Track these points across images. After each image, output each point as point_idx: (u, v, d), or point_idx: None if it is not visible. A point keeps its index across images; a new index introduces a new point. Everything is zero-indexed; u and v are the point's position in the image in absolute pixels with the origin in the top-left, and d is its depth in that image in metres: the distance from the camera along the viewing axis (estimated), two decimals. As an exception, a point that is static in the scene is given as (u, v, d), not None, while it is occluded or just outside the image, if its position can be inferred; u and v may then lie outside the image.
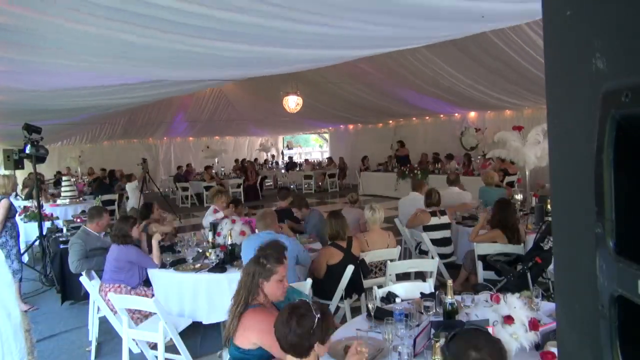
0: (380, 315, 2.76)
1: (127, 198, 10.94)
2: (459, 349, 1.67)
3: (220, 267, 4.18)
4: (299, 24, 3.13)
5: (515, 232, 4.70)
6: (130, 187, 10.67)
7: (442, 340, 2.20)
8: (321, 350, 2.02)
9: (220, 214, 5.77)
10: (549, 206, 5.03)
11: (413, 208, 6.06)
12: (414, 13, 3.10)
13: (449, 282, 2.85)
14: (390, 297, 3.20)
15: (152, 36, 3.17)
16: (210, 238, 4.84)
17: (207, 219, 5.77)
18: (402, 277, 4.56)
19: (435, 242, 5.45)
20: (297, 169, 17.92)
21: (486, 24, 3.78)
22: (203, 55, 3.98)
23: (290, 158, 19.93)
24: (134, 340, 3.80)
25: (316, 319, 1.96)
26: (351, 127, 18.79)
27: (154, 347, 3.76)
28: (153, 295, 4.08)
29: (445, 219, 5.61)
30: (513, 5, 3.14)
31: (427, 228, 5.51)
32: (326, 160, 20.70)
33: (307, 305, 2.04)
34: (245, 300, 2.47)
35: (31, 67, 4.05)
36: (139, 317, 4.04)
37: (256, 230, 5.04)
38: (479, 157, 12.31)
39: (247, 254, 3.72)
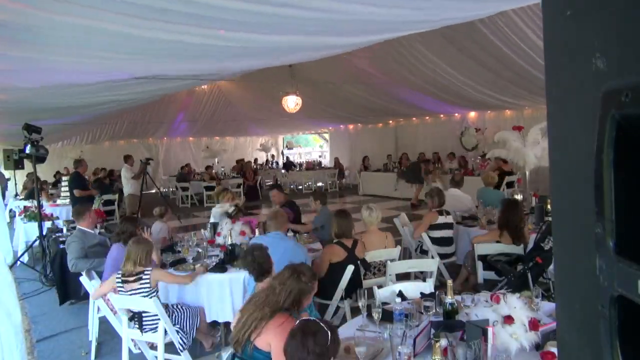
0: (387, 317, 2.76)
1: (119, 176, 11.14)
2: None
3: (220, 267, 4.18)
4: (297, 10, 3.09)
5: (519, 232, 4.68)
6: (125, 172, 10.73)
7: (442, 341, 2.20)
8: None
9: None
10: (549, 206, 5.03)
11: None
12: None
13: (449, 282, 2.85)
14: (401, 296, 3.25)
15: (154, 27, 3.14)
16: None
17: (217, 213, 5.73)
18: (402, 277, 4.56)
19: (437, 241, 5.46)
20: (297, 168, 17.93)
21: (488, 3, 3.68)
22: (205, 46, 3.94)
23: (288, 158, 19.92)
24: (132, 340, 3.80)
25: (329, 334, 1.96)
26: (351, 127, 18.80)
27: (151, 347, 3.76)
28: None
29: (449, 219, 5.63)
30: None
31: (432, 227, 5.52)
32: (322, 161, 20.75)
33: (315, 322, 2.03)
34: (287, 309, 2.48)
35: (31, 64, 4.05)
36: (139, 317, 4.04)
37: (256, 231, 5.05)
38: (479, 157, 12.33)
39: None
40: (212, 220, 5.77)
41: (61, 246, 5.74)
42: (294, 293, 2.49)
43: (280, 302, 2.46)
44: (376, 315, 2.77)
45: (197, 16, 3.00)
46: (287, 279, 2.52)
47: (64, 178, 10.45)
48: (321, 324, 2.02)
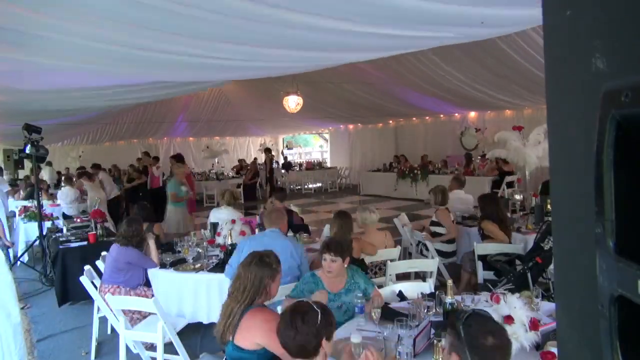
0: (389, 316, 2.76)
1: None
2: (475, 331, 1.69)
3: (220, 267, 4.18)
4: (297, 30, 3.12)
5: (506, 223, 4.88)
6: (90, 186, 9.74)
7: (443, 341, 2.20)
8: (328, 347, 2.02)
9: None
10: (549, 206, 5.03)
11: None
12: (413, 18, 3.08)
13: (449, 282, 2.85)
14: (401, 296, 3.27)
15: (154, 38, 3.16)
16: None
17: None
18: (402, 277, 4.56)
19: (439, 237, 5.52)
20: (298, 168, 17.90)
21: (486, 29, 3.75)
22: (206, 59, 3.96)
23: (286, 158, 19.88)
24: (133, 341, 3.79)
25: (319, 314, 1.96)
26: (351, 127, 18.80)
27: (149, 348, 3.75)
28: (153, 295, 4.08)
29: None
30: (513, 12, 3.13)
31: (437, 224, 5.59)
32: (325, 160, 20.70)
33: (306, 303, 2.06)
34: (251, 300, 2.48)
35: (32, 67, 4.05)
36: (138, 317, 4.04)
37: (256, 231, 5.03)
38: (479, 157, 12.34)
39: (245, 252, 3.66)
40: (212, 220, 5.74)
41: (61, 246, 5.74)
42: (259, 276, 2.50)
43: (247, 286, 2.48)
44: (375, 315, 2.77)
45: (199, 30, 3.03)
46: (249, 263, 2.54)
47: (64, 178, 10.45)
48: (311, 304, 2.03)
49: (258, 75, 6.72)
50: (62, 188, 9.25)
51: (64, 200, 8.91)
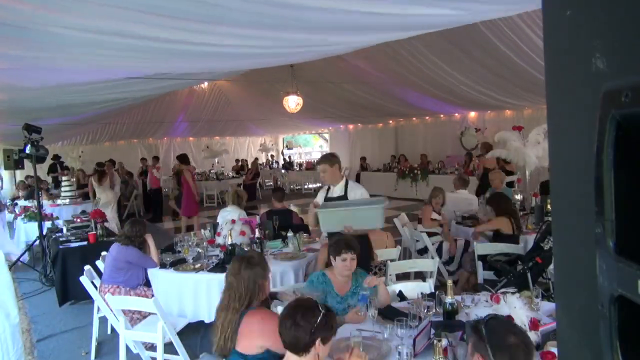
0: (390, 315, 2.76)
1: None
2: (498, 331, 1.74)
3: (220, 267, 4.18)
4: (299, 11, 3.08)
5: (517, 219, 4.92)
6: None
7: (444, 341, 2.20)
8: (324, 350, 2.00)
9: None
10: (549, 206, 5.03)
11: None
12: None
13: (449, 282, 2.85)
14: (401, 296, 3.28)
15: (156, 24, 3.13)
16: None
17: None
18: (402, 277, 4.56)
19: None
20: (298, 168, 17.89)
21: (492, 6, 3.68)
22: (208, 45, 3.92)
23: (289, 157, 19.86)
24: (133, 341, 3.79)
25: (320, 314, 1.98)
26: (351, 127, 18.79)
27: (149, 347, 3.75)
28: (153, 295, 4.08)
29: None
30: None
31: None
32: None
33: (311, 300, 2.09)
34: (249, 304, 2.47)
35: (31, 63, 4.03)
36: (138, 317, 4.04)
37: (256, 231, 5.03)
38: (477, 157, 12.33)
39: None
40: (219, 220, 5.71)
41: (61, 246, 5.74)
42: (252, 279, 2.50)
43: (243, 293, 2.47)
44: (371, 313, 2.78)
45: (198, 14, 2.99)
46: (239, 269, 2.53)
47: (64, 178, 10.45)
48: (318, 303, 2.06)
49: (270, 64, 6.60)
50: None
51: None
